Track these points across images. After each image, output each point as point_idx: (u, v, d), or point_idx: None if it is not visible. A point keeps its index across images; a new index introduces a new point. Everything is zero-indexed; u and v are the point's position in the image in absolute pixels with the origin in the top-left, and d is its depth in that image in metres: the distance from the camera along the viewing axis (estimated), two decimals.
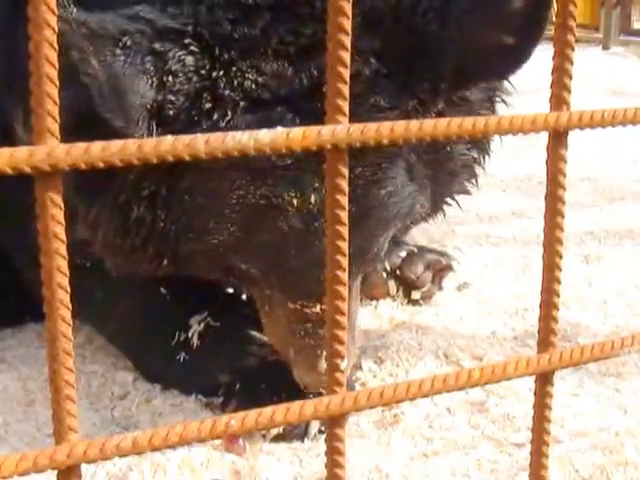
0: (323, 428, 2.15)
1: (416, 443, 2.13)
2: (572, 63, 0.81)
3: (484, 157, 2.30)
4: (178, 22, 1.80)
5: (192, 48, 1.78)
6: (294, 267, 1.97)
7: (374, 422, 2.21)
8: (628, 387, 2.39)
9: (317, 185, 1.86)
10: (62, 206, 0.69)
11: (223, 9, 1.81)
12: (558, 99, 0.81)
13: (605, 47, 10.23)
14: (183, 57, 1.78)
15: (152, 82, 1.76)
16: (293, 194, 1.86)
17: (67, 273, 0.69)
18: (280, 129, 0.72)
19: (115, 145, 0.68)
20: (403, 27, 1.86)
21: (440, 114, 1.93)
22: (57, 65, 0.67)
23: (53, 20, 0.66)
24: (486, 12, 1.83)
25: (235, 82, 1.79)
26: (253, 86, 1.79)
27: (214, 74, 1.79)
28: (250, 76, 1.79)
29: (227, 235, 1.93)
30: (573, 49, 0.80)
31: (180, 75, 1.77)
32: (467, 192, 2.40)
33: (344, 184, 0.75)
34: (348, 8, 0.72)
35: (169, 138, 0.70)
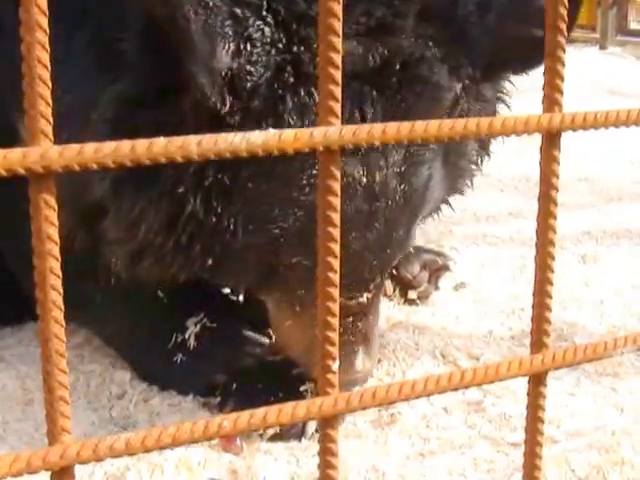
0: None
1: (413, 443, 2.13)
2: (563, 65, 0.81)
3: (483, 158, 2.33)
4: None
5: (269, 20, 1.78)
6: (351, 253, 1.97)
7: (371, 422, 2.21)
8: (624, 387, 2.39)
9: (382, 164, 1.91)
10: (55, 207, 0.69)
11: None
12: (550, 100, 0.82)
13: (602, 47, 10.24)
14: (262, 27, 1.77)
15: (229, 48, 1.73)
16: (362, 172, 1.89)
17: (60, 275, 0.69)
18: (272, 131, 0.72)
19: (108, 147, 0.69)
20: (449, 18, 1.95)
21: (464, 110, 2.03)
22: (49, 66, 0.67)
23: (45, 22, 0.66)
24: (520, 7, 1.95)
25: (316, 59, 1.81)
26: None
27: (294, 49, 1.80)
28: None
29: (292, 221, 1.92)
30: (564, 50, 0.80)
31: (258, 45, 1.76)
32: (462, 192, 2.42)
33: (336, 186, 0.76)
34: (338, 10, 0.72)
35: (162, 140, 0.70)
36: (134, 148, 0.70)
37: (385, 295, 2.92)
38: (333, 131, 0.74)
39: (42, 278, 0.68)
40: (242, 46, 1.74)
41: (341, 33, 0.74)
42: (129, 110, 1.84)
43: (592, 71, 7.64)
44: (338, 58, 0.74)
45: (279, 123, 1.79)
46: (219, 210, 1.90)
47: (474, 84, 2.02)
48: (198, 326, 2.34)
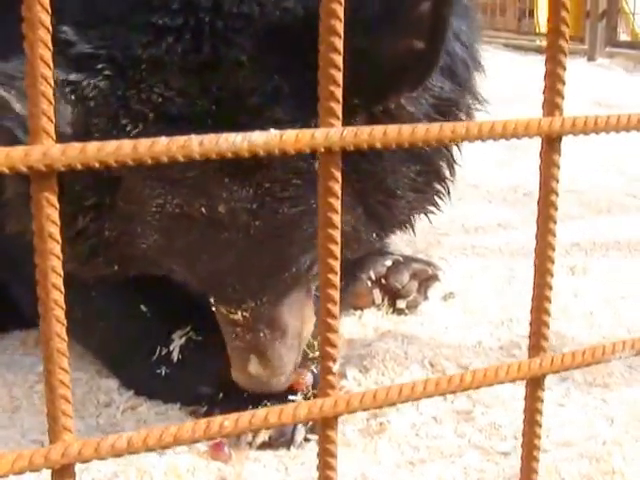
0: (309, 436, 2.15)
1: (402, 451, 2.13)
2: (565, 69, 0.81)
3: (452, 168, 2.22)
4: (93, 46, 1.81)
5: (106, 72, 1.80)
6: (210, 273, 2.02)
7: (360, 430, 2.21)
8: (615, 397, 2.39)
9: (225, 196, 1.86)
10: (57, 206, 0.69)
11: (138, 32, 1.81)
12: (551, 104, 0.82)
13: (590, 59, 10.26)
14: (98, 83, 1.80)
15: (76, 110, 1.79)
16: (203, 203, 1.87)
17: (61, 273, 0.69)
18: (274, 131, 0.72)
19: (110, 146, 0.69)
20: (310, 39, 1.76)
21: (378, 121, 1.85)
22: (52, 65, 0.67)
23: (47, 20, 0.67)
24: (396, 18, 1.72)
25: (144, 96, 1.80)
26: (160, 100, 1.80)
27: (127, 93, 1.81)
28: (157, 90, 1.80)
29: (152, 240, 1.97)
30: (566, 55, 0.80)
31: (99, 99, 1.80)
32: (436, 207, 2.31)
33: (337, 187, 0.76)
34: (340, 10, 0.72)
35: (164, 139, 0.70)
36: (136, 147, 0.70)
37: (374, 304, 2.93)
38: (334, 132, 0.74)
39: (44, 276, 0.68)
40: (83, 105, 1.80)
41: (342, 34, 0.74)
42: None
43: (581, 83, 7.66)
44: (339, 59, 0.75)
45: None
46: (107, 226, 1.98)
47: (349, 112, 1.80)
48: (183, 339, 2.35)
